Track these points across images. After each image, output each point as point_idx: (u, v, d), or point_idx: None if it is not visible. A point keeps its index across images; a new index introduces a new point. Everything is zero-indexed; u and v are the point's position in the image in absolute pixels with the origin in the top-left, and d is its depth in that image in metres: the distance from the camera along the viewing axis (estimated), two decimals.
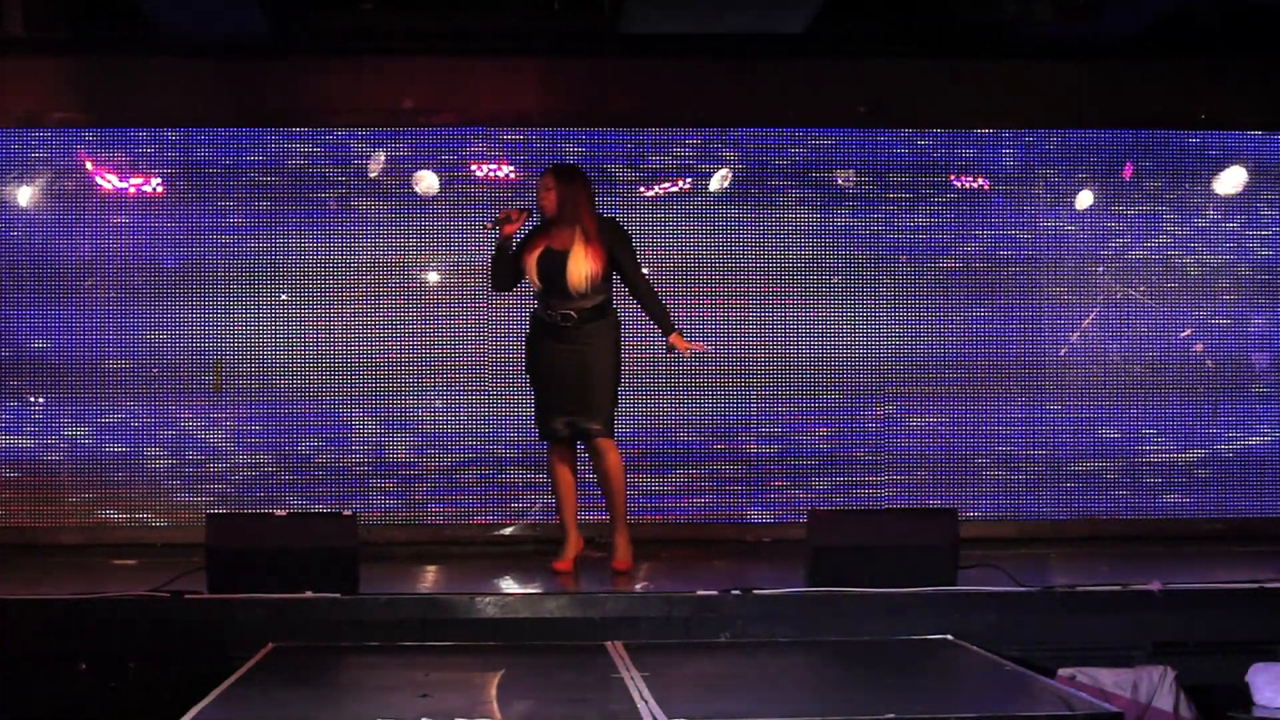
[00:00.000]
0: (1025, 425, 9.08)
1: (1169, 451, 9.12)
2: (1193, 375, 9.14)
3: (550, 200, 7.22)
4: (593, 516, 7.77)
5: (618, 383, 7.33)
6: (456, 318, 8.91)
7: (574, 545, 7.44)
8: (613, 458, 7.25)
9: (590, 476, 7.43)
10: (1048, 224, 9.09)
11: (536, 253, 7.21)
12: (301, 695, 5.39)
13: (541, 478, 8.74)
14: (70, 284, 8.78)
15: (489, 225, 7.38)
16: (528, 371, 7.43)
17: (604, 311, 7.26)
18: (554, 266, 7.16)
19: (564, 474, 7.39)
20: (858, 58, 8.93)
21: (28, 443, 8.78)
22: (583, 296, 7.15)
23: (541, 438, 7.40)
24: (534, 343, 7.36)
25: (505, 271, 7.33)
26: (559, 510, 7.48)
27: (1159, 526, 9.04)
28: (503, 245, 7.30)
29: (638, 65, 8.86)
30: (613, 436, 7.29)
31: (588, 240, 7.17)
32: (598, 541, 7.79)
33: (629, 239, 7.34)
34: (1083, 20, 8.20)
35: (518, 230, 7.32)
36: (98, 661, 6.24)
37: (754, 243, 8.98)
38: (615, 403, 7.32)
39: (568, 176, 7.29)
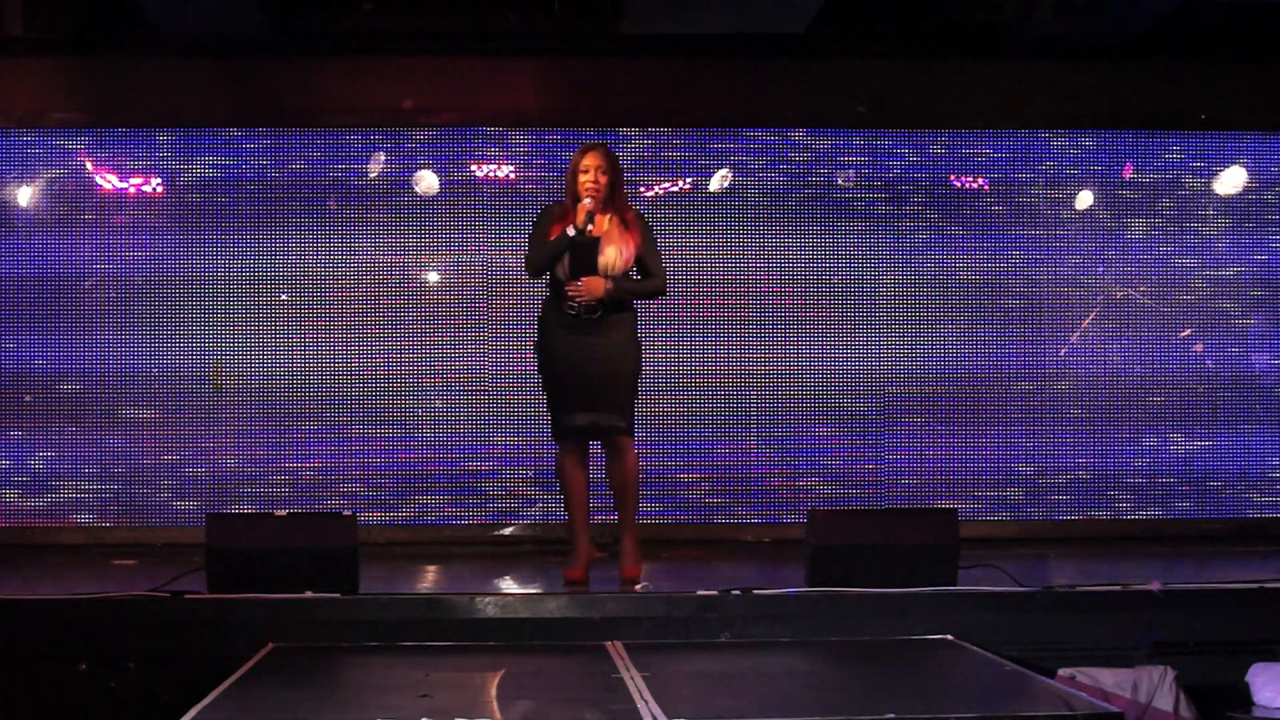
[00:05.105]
0: (1025, 425, 9.08)
1: (1169, 451, 9.12)
2: (1193, 375, 9.14)
3: (604, 183, 6.79)
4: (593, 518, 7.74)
5: (639, 378, 7.03)
6: (456, 318, 8.91)
7: (586, 552, 7.03)
8: (631, 457, 6.94)
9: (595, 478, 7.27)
10: (1048, 224, 9.09)
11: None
12: (301, 695, 5.38)
13: (541, 477, 8.76)
14: (70, 284, 8.78)
15: (585, 228, 6.78)
16: (542, 368, 6.99)
17: (626, 303, 6.92)
18: (584, 253, 6.80)
19: (578, 476, 6.98)
20: (858, 58, 8.93)
21: (28, 442, 8.78)
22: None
23: (557, 437, 6.98)
24: (549, 338, 6.93)
25: (553, 259, 6.84)
26: (570, 515, 7.03)
27: (1159, 526, 9.04)
28: (573, 239, 6.79)
29: (638, 65, 8.86)
30: (633, 435, 6.99)
31: (626, 227, 6.87)
32: (600, 542, 7.77)
33: (651, 228, 7.05)
34: (1083, 20, 8.20)
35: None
36: (98, 661, 6.23)
37: (754, 243, 8.98)
38: (636, 399, 7.02)
39: (614, 158, 6.88)
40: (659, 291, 7.07)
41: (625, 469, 6.96)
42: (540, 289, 7.45)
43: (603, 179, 6.82)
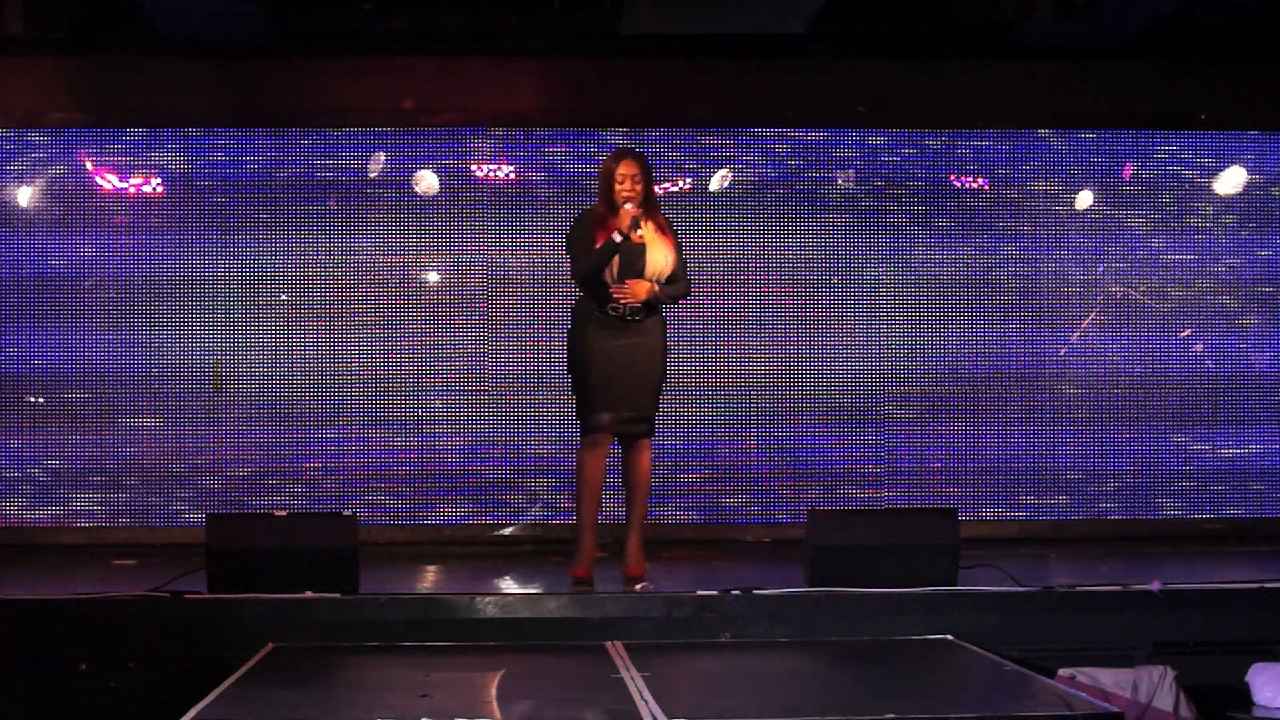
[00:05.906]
0: (1025, 425, 9.08)
1: (1169, 452, 9.11)
2: (1192, 376, 9.14)
3: (640, 188, 6.91)
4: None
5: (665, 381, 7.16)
6: (456, 318, 8.90)
7: (592, 551, 7.08)
8: (648, 458, 7.08)
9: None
10: (1047, 224, 9.09)
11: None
12: (301, 695, 5.39)
13: (540, 478, 8.77)
14: (70, 284, 8.77)
15: (635, 235, 6.85)
16: (575, 366, 7.03)
17: (659, 306, 7.07)
18: (633, 257, 6.89)
19: (599, 474, 7.02)
20: (858, 58, 8.93)
21: (28, 442, 8.78)
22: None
23: (586, 432, 6.99)
24: (586, 337, 6.97)
25: (602, 265, 6.90)
26: (582, 511, 7.07)
27: (1159, 526, 9.04)
28: (620, 246, 6.87)
29: (638, 65, 8.86)
30: (652, 436, 7.10)
31: (664, 231, 7.01)
32: (601, 541, 7.75)
33: (676, 232, 7.15)
34: (1083, 20, 8.20)
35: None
36: (98, 661, 6.24)
37: (754, 243, 8.98)
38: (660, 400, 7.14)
39: (646, 161, 7.01)
40: (686, 294, 7.18)
41: (642, 469, 7.08)
42: (540, 290, 7.48)
43: (638, 186, 6.91)
